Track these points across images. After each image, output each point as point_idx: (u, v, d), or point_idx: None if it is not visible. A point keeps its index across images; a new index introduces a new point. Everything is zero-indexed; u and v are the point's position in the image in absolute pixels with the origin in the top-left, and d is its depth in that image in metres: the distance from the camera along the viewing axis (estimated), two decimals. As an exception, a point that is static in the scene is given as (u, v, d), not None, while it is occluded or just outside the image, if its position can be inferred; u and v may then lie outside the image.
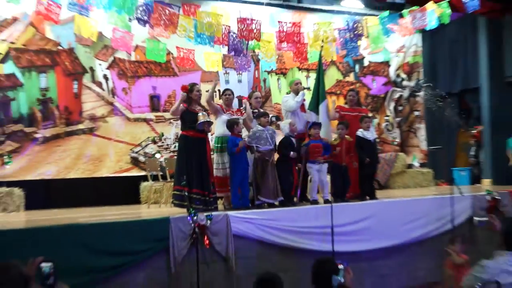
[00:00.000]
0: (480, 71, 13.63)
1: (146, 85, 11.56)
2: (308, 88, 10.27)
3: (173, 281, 7.05)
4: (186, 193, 7.90)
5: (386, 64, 14.38)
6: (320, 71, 10.82)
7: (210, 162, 8.44)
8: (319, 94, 10.29)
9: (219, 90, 9.60)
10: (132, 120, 11.38)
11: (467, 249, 7.34)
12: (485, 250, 5.75)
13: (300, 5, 13.14)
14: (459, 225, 9.11)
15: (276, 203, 8.55)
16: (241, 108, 9.41)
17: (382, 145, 13.39)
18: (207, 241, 7.07)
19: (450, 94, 14.34)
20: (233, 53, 10.99)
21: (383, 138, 13.93)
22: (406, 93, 14.56)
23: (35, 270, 3.30)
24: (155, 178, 10.42)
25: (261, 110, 9.27)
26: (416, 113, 14.61)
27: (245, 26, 10.98)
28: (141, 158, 11.24)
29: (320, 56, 11.14)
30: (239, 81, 12.19)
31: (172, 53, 11.06)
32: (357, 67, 14.04)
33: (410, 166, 13.86)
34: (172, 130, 11.39)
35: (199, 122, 8.11)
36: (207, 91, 9.66)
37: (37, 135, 10.49)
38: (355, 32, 11.97)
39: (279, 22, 11.58)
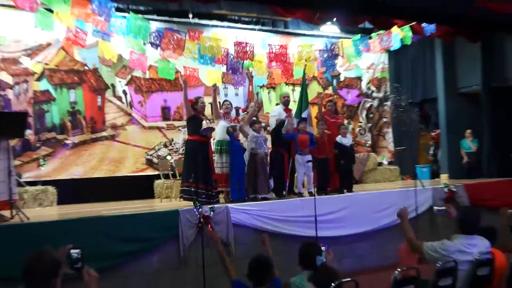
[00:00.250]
0: (437, 84, 13.63)
1: (158, 98, 11.56)
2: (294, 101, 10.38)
3: (182, 263, 7.06)
4: (193, 189, 7.96)
5: (359, 79, 14.40)
6: (304, 85, 10.92)
7: (212, 162, 8.44)
8: (303, 104, 10.39)
9: (219, 102, 9.60)
10: (147, 128, 11.37)
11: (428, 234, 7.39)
12: (444, 234, 5.74)
13: (286, 30, 13.14)
14: (422, 213, 9.16)
15: (268, 196, 8.61)
16: (238, 116, 9.46)
17: (357, 147, 13.38)
18: (210, 229, 7.08)
19: (412, 103, 14.38)
20: (231, 71, 11.00)
21: (357, 141, 13.94)
22: (375, 103, 14.59)
23: (65, 255, 3.29)
24: (166, 176, 10.41)
25: (254, 118, 9.29)
26: (384, 119, 14.63)
27: (241, 48, 11.01)
28: (155, 160, 11.23)
29: (304, 73, 11.22)
30: (236, 94, 12.19)
31: (180, 72, 11.03)
32: (334, 81, 14.05)
33: (380, 164, 13.88)
34: (180, 136, 11.37)
35: (203, 128, 8.17)
36: (210, 103, 9.72)
37: (67, 141, 10.48)
38: (333, 52, 12.03)
39: (269, 45, 11.62)
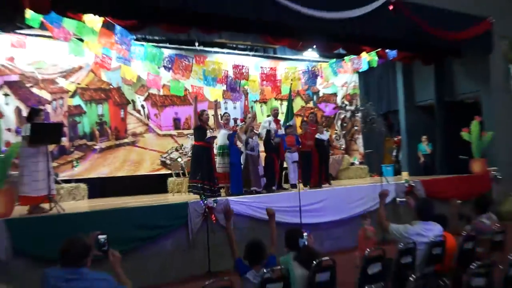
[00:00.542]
0: (398, 98, 13.67)
1: (170, 111, 11.54)
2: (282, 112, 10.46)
3: (191, 246, 7.05)
4: (199, 185, 7.97)
5: (335, 94, 14.41)
6: (290, 100, 11.00)
7: (214, 163, 8.46)
8: (289, 115, 10.46)
9: (221, 114, 9.62)
10: (161, 136, 11.34)
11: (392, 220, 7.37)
12: (405, 221, 5.75)
13: (275, 55, 13.14)
14: (387, 204, 9.12)
15: (260, 190, 8.64)
16: (237, 125, 9.49)
17: (333, 150, 13.41)
18: (213, 218, 7.07)
19: (379, 114, 14.41)
20: (230, 89, 11.03)
21: (334, 145, 13.95)
22: (348, 114, 14.59)
23: (94, 240, 3.28)
24: (177, 175, 10.38)
25: (249, 127, 9.33)
26: (356, 127, 14.64)
27: (238, 70, 11.04)
28: (168, 161, 11.20)
29: (290, 90, 11.28)
30: (234, 107, 12.18)
31: (188, 89, 11.07)
32: (315, 97, 14.05)
33: (352, 164, 13.90)
34: (189, 142, 11.34)
35: (208, 137, 8.24)
36: (212, 115, 9.73)
37: (95, 147, 10.44)
38: (313, 73, 12.07)
39: (261, 67, 11.64)
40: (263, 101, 12.82)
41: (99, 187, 10.09)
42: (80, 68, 10.32)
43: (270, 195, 8.42)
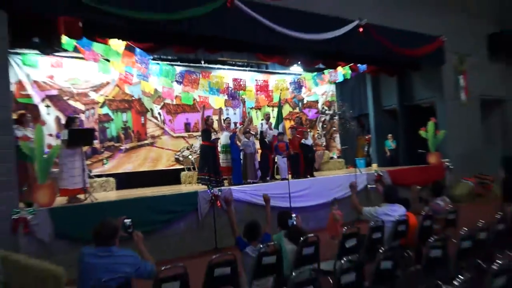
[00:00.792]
0: (368, 104, 13.69)
1: (182, 117, 11.46)
2: (273, 117, 10.45)
3: (200, 227, 7.04)
4: (207, 177, 7.95)
5: (316, 101, 14.33)
6: (279, 106, 10.95)
7: (219, 159, 8.44)
8: (279, 119, 10.45)
9: (223, 119, 9.60)
10: (175, 137, 11.27)
11: (365, 203, 7.41)
12: (375, 203, 5.77)
13: (267, 70, 13.08)
14: (360, 190, 9.13)
15: (257, 181, 8.64)
16: (236, 128, 9.48)
17: (316, 147, 13.33)
18: (219, 204, 7.07)
19: (352, 117, 14.40)
20: (230, 98, 11.05)
21: (316, 143, 13.84)
22: (328, 118, 14.55)
23: (121, 223, 3.29)
24: (188, 169, 10.38)
25: (247, 129, 9.32)
26: (334, 128, 14.59)
27: (237, 83, 11.08)
28: (180, 158, 11.13)
29: (279, 98, 11.27)
30: (234, 113, 12.11)
31: (195, 99, 11.06)
32: (300, 103, 14.00)
33: (331, 158, 13.86)
34: (197, 142, 11.26)
35: (213, 138, 8.22)
36: (217, 120, 9.76)
37: (121, 147, 10.37)
38: (298, 84, 12.09)
39: (256, 80, 11.67)
40: (258, 108, 12.78)
41: (125, 180, 10.03)
42: (108, 83, 10.25)
43: (264, 185, 8.38)
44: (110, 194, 9.02)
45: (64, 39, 7.39)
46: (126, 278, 2.92)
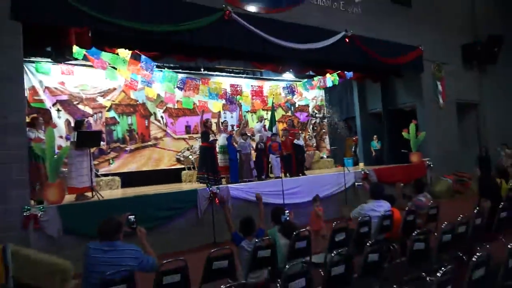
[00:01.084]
0: (355, 108, 13.68)
1: (183, 120, 11.37)
2: (266, 119, 10.42)
3: (200, 223, 6.97)
4: (206, 176, 7.88)
5: (307, 105, 14.29)
6: (273, 110, 10.96)
7: (217, 159, 8.37)
8: (273, 121, 10.42)
9: (221, 122, 9.54)
10: (176, 139, 11.17)
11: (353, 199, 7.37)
12: (362, 200, 5.73)
13: (262, 77, 13.03)
14: (349, 187, 9.12)
15: (252, 179, 8.57)
16: (233, 130, 9.43)
17: (307, 147, 13.33)
18: (217, 201, 7.00)
19: (341, 120, 14.39)
20: (228, 103, 11.00)
21: (307, 143, 13.85)
22: (318, 120, 14.53)
23: (125, 219, 3.22)
24: (189, 169, 10.29)
25: (243, 132, 9.27)
26: (323, 130, 14.57)
27: (234, 88, 11.05)
28: (181, 159, 11.04)
29: (273, 102, 11.29)
30: (231, 116, 12.04)
31: (196, 104, 10.99)
32: (292, 107, 13.96)
33: (321, 157, 13.83)
34: (197, 143, 11.18)
35: (211, 139, 8.14)
36: (215, 122, 9.68)
37: (126, 148, 10.27)
38: (291, 89, 12.07)
39: (251, 85, 11.66)
40: (253, 111, 12.72)
41: (129, 179, 9.93)
42: (114, 89, 10.15)
43: (260, 183, 8.32)
44: (115, 192, 8.92)
45: (75, 49, 7.38)
46: (130, 272, 2.85)
